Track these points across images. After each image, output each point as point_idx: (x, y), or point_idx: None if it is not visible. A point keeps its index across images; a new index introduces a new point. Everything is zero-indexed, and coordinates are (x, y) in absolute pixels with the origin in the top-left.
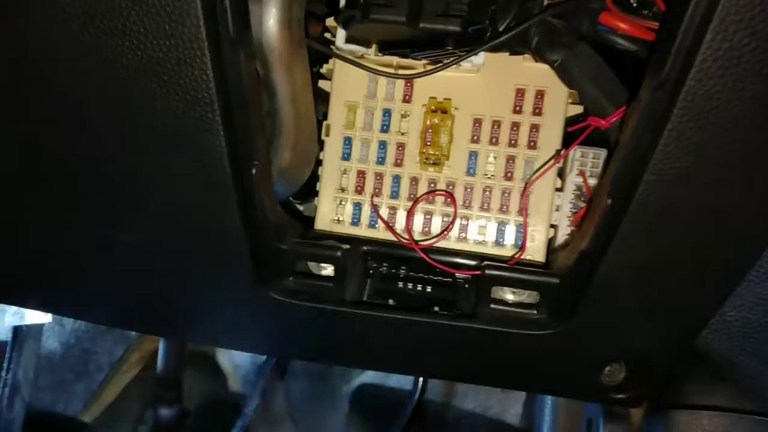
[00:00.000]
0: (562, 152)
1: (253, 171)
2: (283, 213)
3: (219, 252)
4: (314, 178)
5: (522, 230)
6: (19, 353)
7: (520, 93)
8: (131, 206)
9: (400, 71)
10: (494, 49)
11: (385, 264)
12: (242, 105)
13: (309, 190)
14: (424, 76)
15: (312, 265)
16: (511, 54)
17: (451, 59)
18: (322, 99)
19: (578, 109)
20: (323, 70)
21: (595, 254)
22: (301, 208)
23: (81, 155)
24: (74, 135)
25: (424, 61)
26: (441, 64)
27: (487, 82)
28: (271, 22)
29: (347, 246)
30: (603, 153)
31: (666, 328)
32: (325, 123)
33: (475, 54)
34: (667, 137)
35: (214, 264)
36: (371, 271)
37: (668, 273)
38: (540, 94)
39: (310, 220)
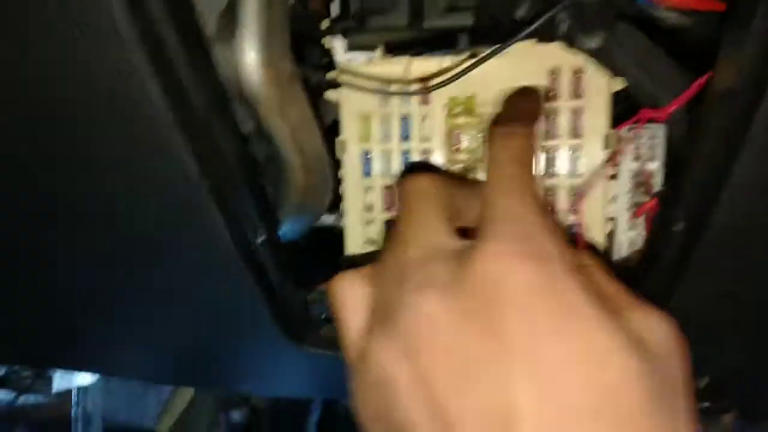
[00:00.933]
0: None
1: (259, 238)
2: (304, 259)
3: (243, 316)
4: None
5: (574, 232)
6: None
7: (554, 75)
8: (143, 289)
9: (412, 74)
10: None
11: None
12: (231, 177)
13: (337, 201)
14: (443, 86)
15: None
16: (538, 42)
17: (470, 63)
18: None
19: (624, 82)
20: (329, 77)
21: (665, 286)
22: (331, 218)
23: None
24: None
25: (440, 59)
26: (459, 71)
27: (513, 69)
28: (249, 67)
29: None
30: (660, 131)
31: (753, 349)
32: (338, 140)
33: (497, 55)
34: (753, 140)
35: (241, 327)
36: None
37: (754, 300)
38: (577, 74)
39: (340, 238)
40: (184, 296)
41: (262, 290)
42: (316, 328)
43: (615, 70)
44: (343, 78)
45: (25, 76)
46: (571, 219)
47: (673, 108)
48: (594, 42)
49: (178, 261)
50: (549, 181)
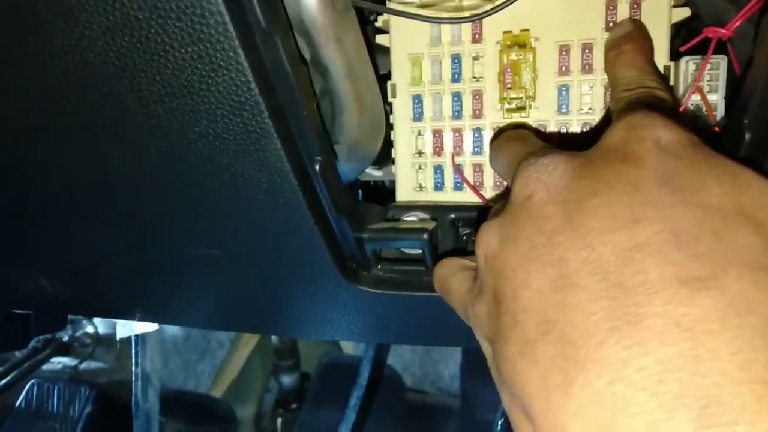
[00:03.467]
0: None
1: (316, 167)
2: (356, 200)
3: (298, 254)
4: (388, 141)
5: None
6: (144, 347)
7: (611, 5)
8: (199, 223)
9: (465, 11)
10: None
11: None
12: (291, 100)
13: (385, 154)
14: (499, 10)
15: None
16: None
17: None
18: (383, 53)
19: (685, 12)
20: (378, 24)
21: None
22: (379, 173)
23: (140, 181)
24: (126, 161)
25: None
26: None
27: (567, 0)
28: None
29: (432, 224)
30: (723, 62)
31: None
32: (389, 83)
33: None
34: None
35: (296, 265)
36: (464, 239)
37: None
38: (636, 3)
39: (391, 189)
40: (240, 228)
41: (318, 220)
42: (371, 267)
43: None
44: (393, 15)
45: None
46: None
47: (739, 21)
48: None
49: (236, 188)
50: (608, 115)
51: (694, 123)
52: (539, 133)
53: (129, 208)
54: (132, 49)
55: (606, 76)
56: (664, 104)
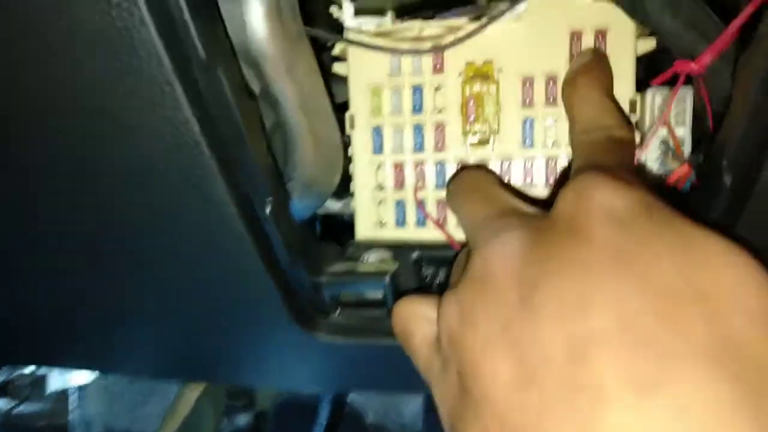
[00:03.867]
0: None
1: (267, 210)
2: (313, 241)
3: (249, 301)
4: (347, 173)
5: None
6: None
7: (576, 37)
8: (139, 270)
9: (426, 40)
10: None
11: (442, 270)
12: (236, 137)
13: (345, 186)
14: (461, 42)
15: None
16: None
17: (489, 15)
18: (339, 82)
19: (650, 44)
20: (335, 51)
21: None
22: (338, 205)
23: (69, 223)
24: (54, 201)
25: (453, 21)
26: (478, 25)
27: (532, 31)
28: (255, 20)
29: (394, 265)
30: (689, 95)
31: None
32: (347, 114)
33: (515, 14)
34: None
35: (247, 313)
36: (427, 280)
37: None
38: (601, 35)
39: (350, 223)
40: (185, 275)
41: (269, 267)
42: (328, 313)
43: (646, 18)
44: (350, 45)
45: None
46: None
47: (710, 56)
48: None
49: (179, 233)
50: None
51: (662, 161)
52: (496, 175)
53: (59, 252)
54: (52, 84)
55: None
56: (622, 146)
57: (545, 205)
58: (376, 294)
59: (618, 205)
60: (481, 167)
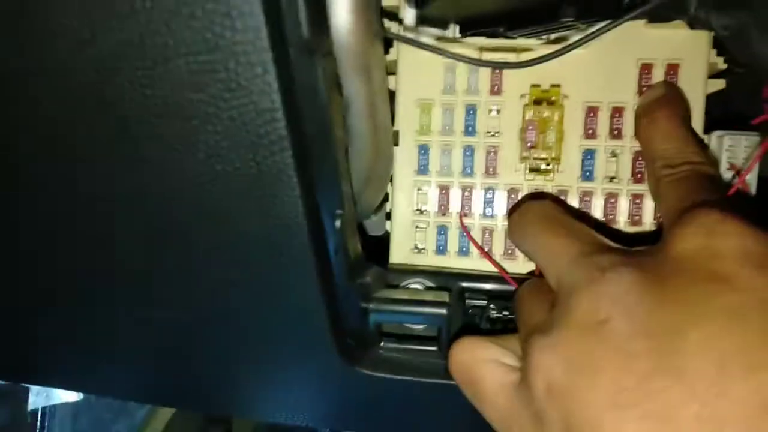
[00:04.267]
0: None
1: (337, 224)
2: (366, 263)
3: (289, 325)
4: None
5: None
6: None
7: (646, 69)
8: (166, 280)
9: (488, 57)
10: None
11: (491, 304)
12: (323, 138)
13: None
14: (544, 62)
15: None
16: (648, 22)
17: (574, 41)
18: None
19: (720, 84)
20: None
21: None
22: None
23: (97, 221)
24: (85, 192)
25: (521, 40)
26: (561, 48)
27: (600, 59)
28: (342, 10)
29: (446, 296)
30: (756, 139)
31: None
32: (392, 129)
33: (613, 28)
34: None
35: (283, 339)
36: (471, 312)
37: None
38: (672, 69)
39: (378, 245)
40: (217, 287)
41: (324, 288)
42: (373, 345)
43: (749, 55)
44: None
45: None
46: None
47: None
48: (729, 20)
49: (224, 237)
50: (635, 186)
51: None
52: (565, 205)
53: (72, 254)
54: (117, 50)
55: (636, 144)
56: (714, 183)
57: (628, 241)
58: (420, 325)
59: (752, 247)
60: (549, 196)
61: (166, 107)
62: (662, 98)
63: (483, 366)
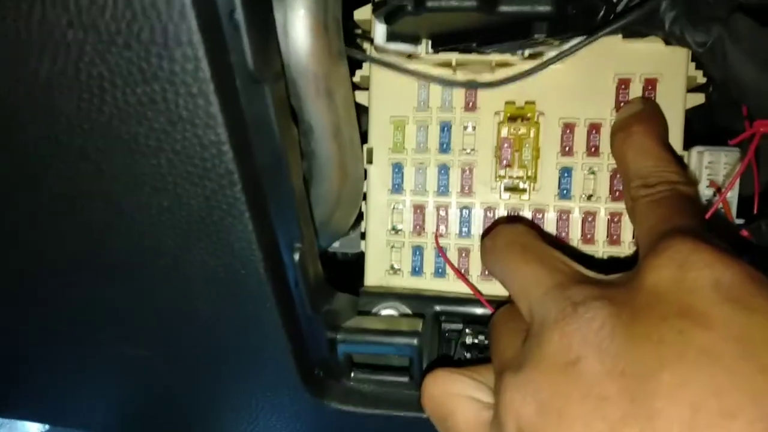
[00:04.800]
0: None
1: (296, 257)
2: (330, 290)
3: (251, 359)
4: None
5: None
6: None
7: (623, 84)
8: (124, 316)
9: (461, 73)
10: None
11: (466, 329)
12: (274, 169)
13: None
14: (515, 81)
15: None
16: (624, 37)
17: (548, 59)
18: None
19: (699, 99)
20: (356, 79)
21: None
22: (336, 244)
23: (49, 256)
24: (31, 226)
25: (494, 55)
26: (533, 67)
27: (576, 75)
28: (300, 33)
29: (419, 323)
30: (736, 155)
31: None
32: (366, 147)
33: (586, 45)
34: None
35: (246, 372)
36: (447, 335)
37: None
38: (650, 84)
39: (350, 264)
40: (178, 323)
41: (285, 321)
42: (341, 377)
43: (725, 70)
44: (379, 68)
45: None
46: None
47: None
48: (703, 37)
49: (177, 272)
50: (613, 205)
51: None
52: (539, 230)
53: (33, 287)
54: (51, 81)
55: (614, 161)
56: (693, 204)
57: (604, 266)
58: (393, 354)
59: (730, 280)
60: (521, 220)
61: (105, 141)
62: (639, 114)
63: (456, 401)
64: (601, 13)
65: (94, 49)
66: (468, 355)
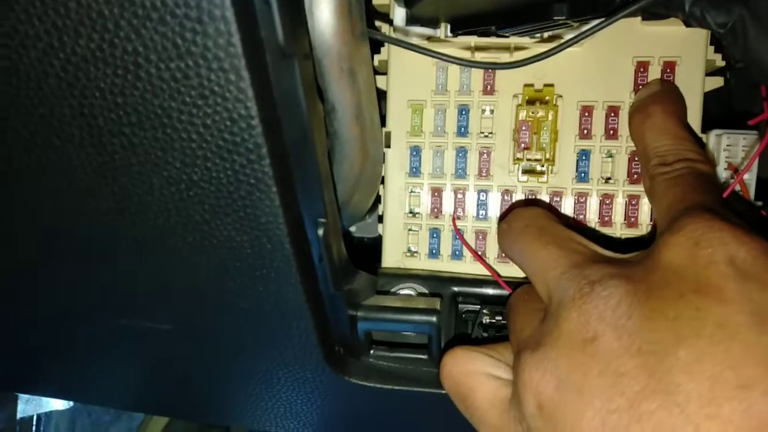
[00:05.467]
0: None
1: (319, 232)
2: (352, 269)
3: (275, 335)
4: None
5: None
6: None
7: (642, 67)
8: (150, 291)
9: (480, 56)
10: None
11: (483, 309)
12: (302, 145)
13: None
14: (533, 62)
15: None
16: (643, 20)
17: (567, 40)
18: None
19: (718, 82)
20: (374, 63)
21: None
22: (353, 228)
23: (77, 232)
24: (62, 204)
25: (513, 38)
26: (553, 48)
27: (595, 58)
28: (325, 12)
29: (438, 302)
30: (754, 138)
31: None
32: (384, 131)
33: (606, 26)
34: None
35: (269, 348)
36: (464, 317)
37: None
38: (669, 67)
39: (367, 248)
40: (202, 298)
41: (309, 297)
42: (361, 353)
43: (746, 51)
44: (400, 48)
45: None
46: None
47: None
48: (724, 17)
49: (204, 246)
50: (631, 188)
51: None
52: (556, 212)
53: (58, 264)
54: (87, 57)
55: (633, 144)
56: (710, 182)
57: (622, 247)
58: (411, 333)
59: (745, 256)
60: (538, 203)
61: (138, 115)
62: (657, 95)
63: (475, 379)
64: None
65: (129, 24)
66: (485, 335)
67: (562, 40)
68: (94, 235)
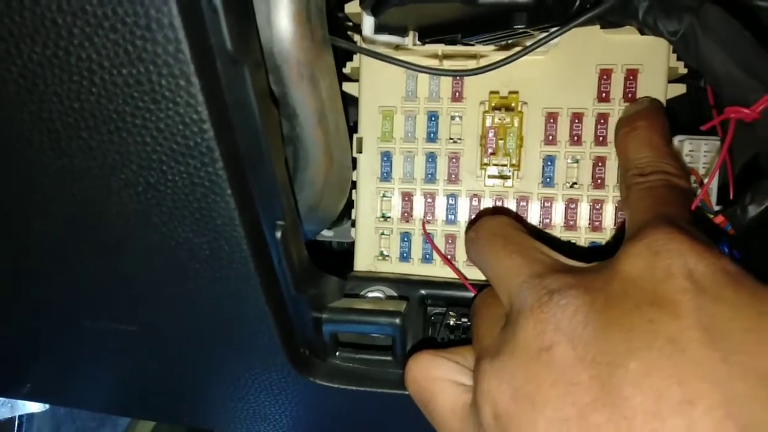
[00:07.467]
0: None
1: (277, 234)
2: (316, 271)
3: (238, 337)
4: (347, 201)
5: None
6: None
7: (605, 75)
8: (113, 293)
9: (447, 64)
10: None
11: (450, 311)
12: (255, 148)
13: (341, 213)
14: (494, 69)
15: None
16: (601, 27)
17: (526, 46)
18: (348, 103)
19: (680, 89)
20: (346, 70)
21: None
22: (330, 233)
23: (38, 234)
24: (23, 207)
25: (478, 47)
26: (513, 54)
27: (558, 65)
28: (283, 20)
29: (403, 304)
30: (716, 144)
31: None
32: (355, 136)
33: (561, 34)
34: None
35: (233, 350)
36: (433, 319)
37: None
38: (632, 74)
39: (345, 253)
40: (164, 300)
41: (270, 299)
42: (327, 355)
43: (697, 59)
44: (367, 58)
45: None
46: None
47: (764, 105)
48: (676, 26)
49: (163, 249)
50: (595, 192)
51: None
52: (521, 219)
53: (20, 267)
54: (43, 63)
55: (596, 150)
56: (683, 196)
57: (585, 255)
58: (378, 335)
59: (703, 271)
60: (503, 211)
61: (94, 119)
62: (645, 110)
63: (437, 385)
64: (577, 2)
65: (82, 32)
66: (452, 337)
67: (522, 47)
68: (55, 238)
